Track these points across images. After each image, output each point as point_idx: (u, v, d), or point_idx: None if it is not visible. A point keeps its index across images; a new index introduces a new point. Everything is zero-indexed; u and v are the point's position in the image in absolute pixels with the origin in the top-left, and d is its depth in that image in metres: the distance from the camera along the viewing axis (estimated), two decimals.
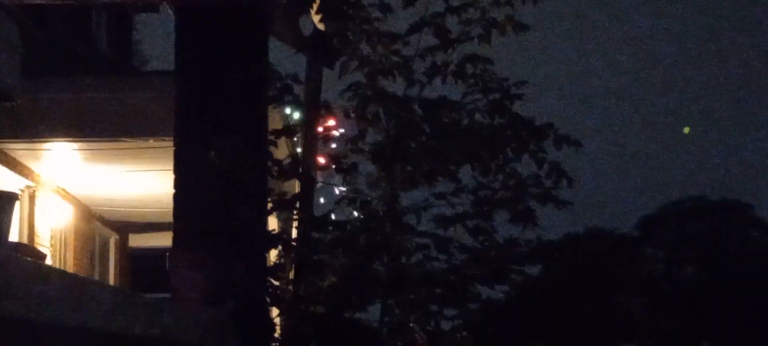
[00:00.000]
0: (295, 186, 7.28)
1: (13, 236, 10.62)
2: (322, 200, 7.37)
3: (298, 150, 7.11)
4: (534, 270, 7.12)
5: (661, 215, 35.59)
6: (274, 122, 7.56)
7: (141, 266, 15.58)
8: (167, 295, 6.66)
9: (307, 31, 7.21)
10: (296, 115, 7.21)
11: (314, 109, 7.02)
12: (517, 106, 6.84)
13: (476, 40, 6.82)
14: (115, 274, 15.02)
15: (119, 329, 3.52)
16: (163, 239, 8.58)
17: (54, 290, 2.97)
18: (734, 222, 34.86)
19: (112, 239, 15.16)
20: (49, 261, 10.92)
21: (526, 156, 6.73)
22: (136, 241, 15.69)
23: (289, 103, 7.08)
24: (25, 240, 10.86)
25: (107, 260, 14.99)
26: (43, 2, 6.94)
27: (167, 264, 6.48)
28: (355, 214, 6.90)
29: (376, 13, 6.81)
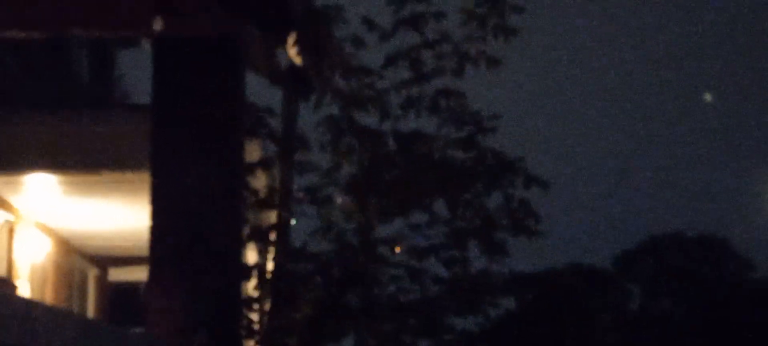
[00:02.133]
0: (271, 217, 7.35)
1: None
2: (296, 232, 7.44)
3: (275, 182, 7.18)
4: (508, 302, 7.21)
5: (637, 250, 35.78)
6: (252, 155, 7.64)
7: (121, 301, 15.53)
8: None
9: (283, 65, 7.31)
10: (272, 149, 7.30)
11: (290, 142, 7.11)
12: (490, 139, 6.96)
13: (450, 74, 6.94)
14: (94, 308, 14.98)
15: None
16: (143, 273, 8.62)
17: (25, 317, 3.03)
18: (711, 256, 35.08)
19: (92, 273, 15.13)
20: (24, 293, 10.91)
21: (496, 191, 6.84)
22: (116, 275, 15.65)
23: (264, 136, 7.16)
24: (3, 274, 10.86)
25: (86, 294, 14.95)
26: (21, 36, 7.01)
27: (142, 295, 6.53)
28: (330, 246, 6.97)
29: (351, 48, 6.93)
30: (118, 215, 11.75)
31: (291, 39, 7.08)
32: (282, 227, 7.03)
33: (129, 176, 9.87)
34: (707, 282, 33.80)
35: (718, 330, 32.04)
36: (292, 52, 7.16)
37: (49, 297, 12.49)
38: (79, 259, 14.22)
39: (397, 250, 6.57)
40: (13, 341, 2.89)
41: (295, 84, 7.16)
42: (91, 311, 14.91)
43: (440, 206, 6.89)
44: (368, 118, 6.95)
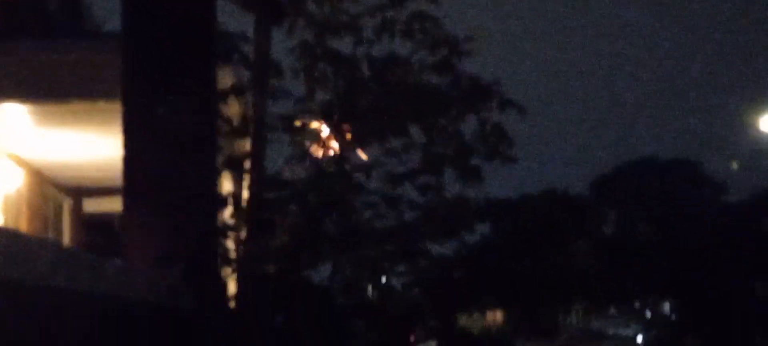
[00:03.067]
0: (246, 145, 7.30)
1: None
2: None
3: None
4: (484, 228, 7.23)
5: (612, 175, 36.04)
6: (225, 82, 7.56)
7: (96, 231, 15.49)
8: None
9: None
10: (246, 76, 7.22)
11: (263, 69, 7.03)
12: (465, 63, 6.91)
13: None
14: (69, 239, 14.93)
15: (61, 284, 3.54)
16: (119, 204, 8.56)
17: None
18: (685, 180, 35.40)
19: (66, 204, 15.05)
20: None
21: (471, 115, 6.81)
22: (91, 206, 15.57)
23: (237, 63, 7.08)
24: None
25: (61, 225, 14.89)
26: None
27: (117, 225, 6.48)
28: (305, 173, 6.94)
29: None
30: (91, 144, 11.66)
31: None
32: (256, 154, 6.99)
33: (101, 104, 9.77)
34: (682, 206, 34.14)
35: (692, 252, 32.44)
36: None
37: (23, 229, 12.43)
38: (53, 190, 14.13)
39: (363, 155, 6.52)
40: None
41: (268, 9, 7.06)
42: (66, 242, 14.87)
43: (415, 132, 6.87)
44: (342, 44, 6.88)
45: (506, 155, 6.79)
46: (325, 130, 6.83)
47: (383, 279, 6.99)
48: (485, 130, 6.69)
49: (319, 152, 6.82)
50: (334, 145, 6.80)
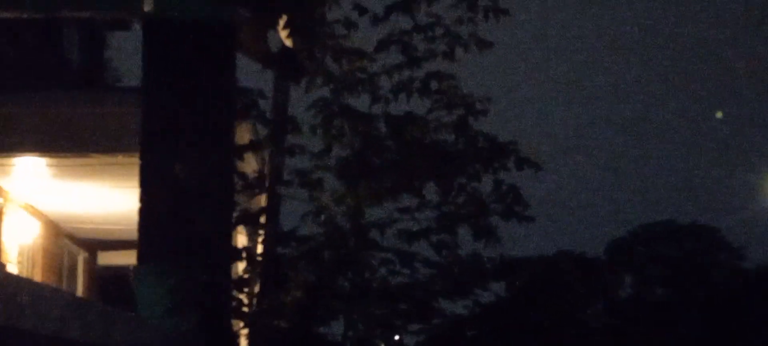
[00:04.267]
0: (261, 201, 7.33)
1: None
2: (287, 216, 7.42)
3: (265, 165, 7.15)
4: (498, 287, 7.19)
5: (630, 238, 35.86)
6: (242, 138, 7.61)
7: (110, 285, 15.51)
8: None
9: (274, 48, 7.28)
10: (263, 132, 7.27)
11: (281, 125, 7.08)
12: (481, 123, 6.93)
13: (441, 57, 6.91)
14: (83, 292, 14.95)
15: (74, 336, 3.54)
16: (132, 258, 8.60)
17: (12, 293, 3.00)
18: (702, 245, 35.19)
19: (81, 257, 15.10)
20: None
21: (487, 175, 6.81)
22: (106, 259, 15.61)
23: (255, 119, 7.13)
24: None
25: (75, 277, 14.92)
26: (11, 15, 6.96)
27: (131, 277, 6.50)
28: (320, 229, 6.94)
29: (342, 31, 6.90)
30: (107, 198, 11.71)
31: (282, 21, 7.05)
32: (272, 210, 7.01)
33: (119, 158, 9.83)
34: (699, 271, 33.91)
35: (709, 319, 32.16)
36: (284, 35, 7.12)
37: (37, 279, 12.45)
38: (68, 242, 14.17)
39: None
40: (2, 317, 2.87)
41: (286, 66, 7.13)
42: (80, 295, 14.86)
43: (431, 190, 6.87)
44: (359, 102, 6.92)
45: (523, 215, 6.78)
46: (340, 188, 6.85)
47: (396, 337, 6.95)
48: (501, 189, 6.68)
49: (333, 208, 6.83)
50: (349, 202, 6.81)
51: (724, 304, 32.41)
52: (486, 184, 6.90)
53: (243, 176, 6.90)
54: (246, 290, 6.76)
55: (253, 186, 6.93)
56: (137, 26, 7.01)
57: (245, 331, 6.80)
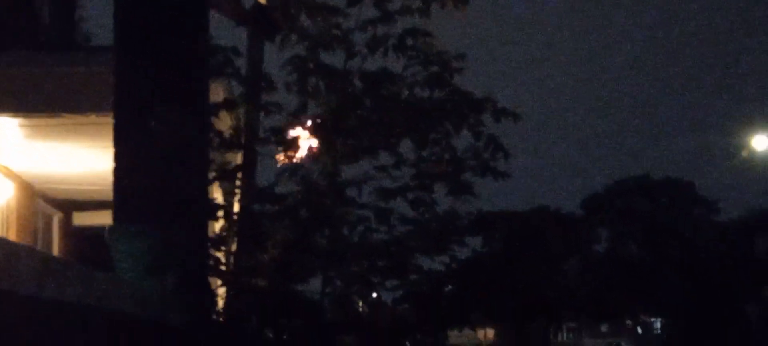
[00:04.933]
0: (237, 158, 7.30)
1: None
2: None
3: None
4: (475, 242, 7.23)
5: (605, 193, 36.07)
6: (217, 96, 7.55)
7: (86, 245, 15.44)
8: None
9: (248, 5, 7.22)
10: (238, 89, 7.23)
11: (255, 82, 7.04)
12: (457, 80, 6.91)
13: (416, 13, 6.88)
14: (58, 253, 14.88)
15: (51, 295, 3.52)
16: (108, 218, 8.55)
17: None
18: (677, 200, 35.47)
19: (56, 218, 15.02)
20: None
21: (464, 130, 6.82)
22: (81, 219, 15.54)
23: (229, 77, 7.08)
24: None
25: (50, 238, 14.84)
26: None
27: (107, 237, 6.46)
28: (297, 187, 6.93)
29: None
30: (81, 158, 11.64)
31: None
32: (248, 167, 6.98)
33: (92, 118, 9.76)
34: (674, 225, 34.18)
35: (684, 271, 32.47)
36: None
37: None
38: (42, 203, 14.09)
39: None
40: None
41: (261, 23, 7.07)
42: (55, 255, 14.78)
43: (407, 147, 6.87)
44: (334, 58, 6.89)
45: (499, 171, 6.79)
46: (312, 141, 6.81)
47: (374, 294, 6.98)
48: (479, 142, 6.68)
49: (307, 161, 6.81)
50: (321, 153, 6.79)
51: (698, 258, 32.73)
52: (462, 140, 6.90)
53: (219, 133, 6.86)
54: (223, 248, 6.75)
55: (228, 144, 6.90)
56: None
57: (223, 289, 6.80)
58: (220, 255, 6.72)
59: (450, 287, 7.33)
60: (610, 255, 34.02)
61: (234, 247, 6.75)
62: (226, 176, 6.86)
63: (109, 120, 6.70)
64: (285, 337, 6.72)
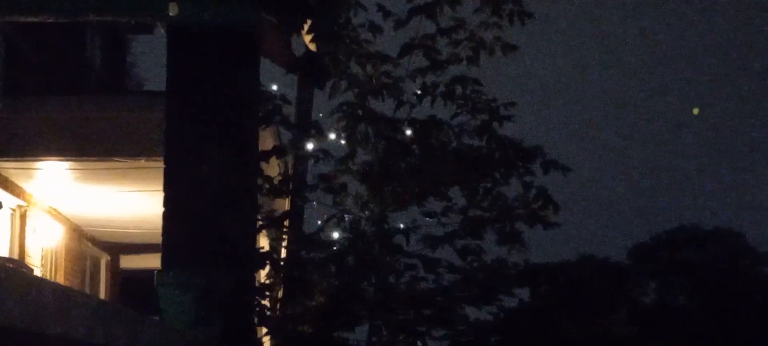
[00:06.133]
0: (285, 205, 7.31)
1: (3, 254, 10.60)
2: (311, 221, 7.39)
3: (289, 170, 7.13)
4: (523, 292, 7.11)
5: (653, 243, 35.63)
6: (266, 143, 7.59)
7: (132, 288, 15.55)
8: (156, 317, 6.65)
9: (298, 52, 7.26)
10: (287, 136, 7.25)
11: (304, 129, 7.06)
12: (506, 128, 6.88)
13: (465, 61, 6.87)
14: (106, 295, 14.99)
15: (101, 341, 3.52)
16: (155, 261, 8.61)
17: (39, 298, 2.98)
18: (726, 251, 34.92)
19: (104, 260, 15.15)
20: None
21: (513, 179, 6.76)
22: (128, 262, 15.67)
23: (279, 123, 7.11)
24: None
25: (98, 280, 14.96)
26: (34, 19, 6.97)
27: (155, 282, 6.48)
28: (344, 234, 6.91)
29: (367, 35, 6.87)
30: (130, 201, 11.74)
31: (306, 26, 7.03)
32: (295, 214, 6.98)
33: (142, 162, 9.85)
34: (722, 277, 33.64)
35: (733, 325, 31.90)
36: (307, 39, 7.10)
37: (60, 282, 12.45)
38: (90, 245, 14.21)
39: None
40: (26, 322, 2.85)
41: (310, 71, 7.10)
42: (102, 298, 14.87)
43: (455, 194, 6.82)
44: (384, 106, 6.89)
45: (548, 221, 6.72)
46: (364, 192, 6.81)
47: (419, 343, 6.91)
48: (528, 193, 6.62)
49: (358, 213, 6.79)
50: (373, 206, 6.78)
51: (748, 311, 32.15)
52: (511, 189, 6.84)
53: (268, 179, 6.88)
54: (269, 295, 6.73)
55: (277, 190, 6.91)
56: (159, 30, 7.00)
57: (268, 337, 6.77)
58: (266, 302, 6.71)
59: (496, 337, 7.22)
60: (659, 306, 33.56)
61: (280, 294, 6.73)
62: (273, 223, 6.87)
63: (158, 164, 6.76)
64: None
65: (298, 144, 7.03)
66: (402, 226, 6.81)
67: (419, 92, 6.89)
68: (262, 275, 7.02)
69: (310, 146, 7.02)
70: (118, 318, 3.78)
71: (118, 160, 10.01)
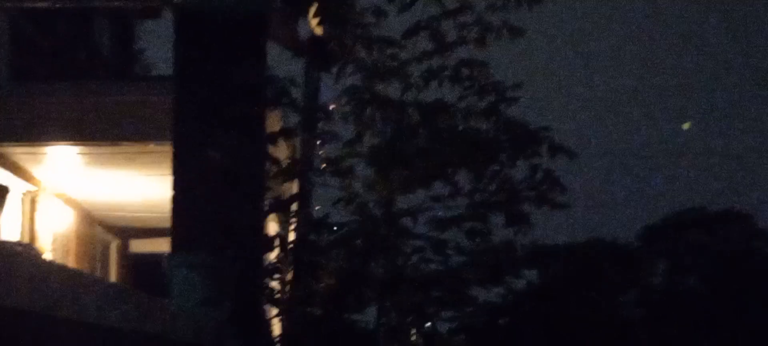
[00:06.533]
0: (293, 188, 7.34)
1: (15, 238, 10.67)
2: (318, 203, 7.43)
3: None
4: (531, 274, 7.17)
5: (662, 225, 35.59)
6: (273, 126, 7.61)
7: (142, 272, 15.63)
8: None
9: (304, 36, 7.28)
10: (294, 119, 7.28)
11: (312, 112, 7.08)
12: (513, 110, 6.89)
13: (472, 44, 6.88)
14: (116, 279, 15.07)
15: (112, 323, 3.56)
16: (164, 245, 8.66)
17: (50, 281, 3.02)
18: (735, 232, 34.87)
19: (114, 244, 15.22)
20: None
21: (520, 161, 6.78)
22: (138, 246, 15.75)
23: (286, 106, 7.14)
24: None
25: (108, 264, 15.04)
26: (43, 4, 7.01)
27: (164, 266, 6.53)
28: (353, 216, 6.94)
29: (372, 18, 6.88)
30: (139, 186, 11.80)
31: (312, 9, 7.05)
32: (303, 197, 7.01)
33: (150, 147, 9.89)
34: (734, 258, 33.58)
35: (744, 306, 31.88)
36: (314, 23, 7.12)
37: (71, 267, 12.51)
38: (100, 230, 14.29)
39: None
40: (36, 305, 2.89)
41: (317, 55, 7.12)
42: (113, 282, 14.95)
43: (463, 177, 6.85)
44: (390, 89, 6.90)
45: (556, 202, 6.74)
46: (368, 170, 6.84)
47: (428, 325, 6.95)
48: (535, 176, 6.64)
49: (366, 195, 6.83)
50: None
51: (757, 292, 32.13)
52: (518, 170, 6.86)
53: (275, 162, 6.91)
54: (278, 277, 6.77)
55: (285, 173, 6.94)
56: (167, 15, 7.02)
57: (278, 318, 6.82)
58: (276, 284, 6.75)
59: (505, 319, 7.26)
60: (668, 288, 33.54)
61: (289, 276, 6.77)
62: (282, 206, 6.90)
63: (167, 149, 6.80)
64: None
65: (305, 126, 7.06)
66: (409, 208, 6.84)
67: (426, 75, 6.90)
68: (272, 257, 7.06)
69: (318, 128, 7.05)
70: (129, 301, 3.82)
71: (126, 145, 10.07)
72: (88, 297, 3.35)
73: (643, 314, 29.46)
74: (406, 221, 6.85)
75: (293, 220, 6.99)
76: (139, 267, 15.67)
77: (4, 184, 9.27)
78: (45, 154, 10.42)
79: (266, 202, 6.76)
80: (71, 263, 12.46)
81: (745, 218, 35.56)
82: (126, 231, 15.12)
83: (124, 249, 15.44)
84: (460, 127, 6.89)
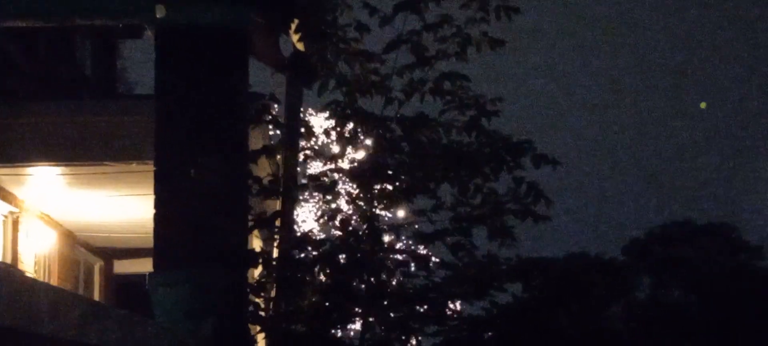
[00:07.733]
0: (276, 205, 7.32)
1: None
2: (302, 219, 7.41)
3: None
4: (516, 288, 7.15)
5: (647, 239, 35.70)
6: (256, 142, 7.61)
7: (127, 293, 15.54)
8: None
9: (286, 52, 7.28)
10: (276, 136, 7.27)
11: (294, 129, 7.08)
12: (495, 123, 6.89)
13: (454, 58, 6.89)
14: (99, 300, 14.98)
15: (93, 340, 3.54)
16: (148, 265, 8.61)
17: (31, 298, 3.00)
18: (720, 245, 35.01)
19: (97, 266, 15.14)
20: None
21: (504, 174, 6.78)
22: (122, 267, 15.67)
23: (268, 123, 7.13)
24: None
25: (92, 285, 14.96)
26: (23, 24, 6.99)
27: (147, 284, 6.50)
28: (335, 232, 6.93)
29: (354, 33, 6.89)
30: (122, 206, 11.74)
31: (294, 25, 7.05)
32: (286, 213, 7.00)
33: (133, 166, 9.86)
34: (717, 271, 33.69)
35: (728, 319, 31.97)
36: (295, 39, 7.12)
37: None
38: (83, 251, 14.20)
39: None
40: (18, 322, 2.87)
41: (299, 70, 7.12)
42: None
43: (445, 191, 6.85)
44: (372, 104, 6.91)
45: (539, 215, 6.74)
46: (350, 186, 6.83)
47: (413, 340, 6.93)
48: (519, 188, 6.65)
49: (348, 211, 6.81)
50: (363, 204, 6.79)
51: (741, 305, 32.22)
52: (502, 183, 6.86)
53: (257, 180, 6.89)
54: (262, 294, 6.75)
55: (267, 190, 6.92)
56: (149, 34, 7.01)
57: (262, 335, 6.79)
58: (259, 301, 6.72)
59: (489, 332, 7.25)
60: (653, 302, 33.60)
61: (273, 293, 6.75)
62: (264, 223, 6.88)
63: (149, 168, 6.78)
64: None
65: (287, 143, 7.05)
66: (392, 223, 6.84)
67: (407, 89, 6.91)
68: (255, 274, 7.03)
69: (299, 145, 7.04)
70: (109, 317, 3.80)
71: (109, 165, 10.02)
72: (70, 314, 3.33)
73: (628, 327, 29.52)
74: (389, 236, 6.84)
75: (276, 236, 6.97)
76: (123, 288, 15.60)
77: None
78: (27, 175, 10.37)
79: (249, 219, 6.75)
80: (54, 283, 12.38)
81: (729, 230, 35.71)
82: (109, 252, 15.05)
83: (107, 270, 15.36)
84: (443, 141, 6.89)
